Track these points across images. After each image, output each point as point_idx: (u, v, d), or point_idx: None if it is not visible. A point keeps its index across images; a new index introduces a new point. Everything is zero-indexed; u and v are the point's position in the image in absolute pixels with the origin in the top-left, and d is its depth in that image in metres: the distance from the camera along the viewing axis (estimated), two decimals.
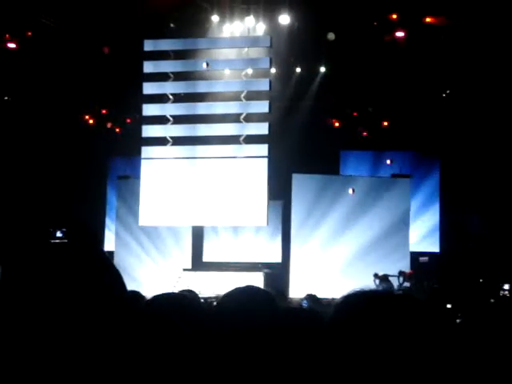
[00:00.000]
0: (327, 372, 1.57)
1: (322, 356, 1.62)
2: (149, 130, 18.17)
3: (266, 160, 17.60)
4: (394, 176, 19.47)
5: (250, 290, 2.35)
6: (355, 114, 19.68)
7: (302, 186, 18.80)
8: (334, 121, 20.03)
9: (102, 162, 21.05)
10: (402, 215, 18.92)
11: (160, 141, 18.09)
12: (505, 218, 18.67)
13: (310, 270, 18.71)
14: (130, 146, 18.86)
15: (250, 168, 17.51)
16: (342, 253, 18.88)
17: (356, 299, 1.63)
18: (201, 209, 17.77)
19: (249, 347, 2.06)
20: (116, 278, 1.72)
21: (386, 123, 19.72)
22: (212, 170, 17.85)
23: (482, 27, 16.23)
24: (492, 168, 18.78)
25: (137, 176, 19.05)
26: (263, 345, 2.03)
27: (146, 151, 18.30)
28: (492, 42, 16.50)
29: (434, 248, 19.95)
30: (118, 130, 21.14)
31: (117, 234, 20.38)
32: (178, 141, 18.08)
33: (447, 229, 19.50)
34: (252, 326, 2.08)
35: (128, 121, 20.54)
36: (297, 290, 17.25)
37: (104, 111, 20.62)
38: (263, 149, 17.51)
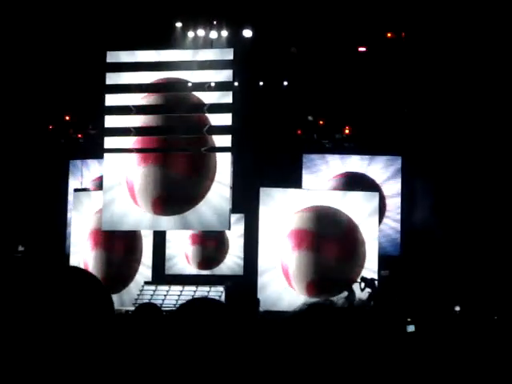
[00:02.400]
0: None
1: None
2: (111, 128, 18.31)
3: (229, 155, 17.67)
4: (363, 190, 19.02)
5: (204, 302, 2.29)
6: (321, 122, 19.97)
7: (268, 199, 18.52)
8: (298, 131, 20.32)
9: (61, 169, 20.92)
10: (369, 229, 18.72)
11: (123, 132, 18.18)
12: (466, 220, 18.84)
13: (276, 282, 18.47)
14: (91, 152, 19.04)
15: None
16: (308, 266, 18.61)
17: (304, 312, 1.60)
18: (163, 209, 17.82)
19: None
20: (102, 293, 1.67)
21: (347, 131, 20.18)
22: (175, 164, 17.95)
23: (437, 40, 17.18)
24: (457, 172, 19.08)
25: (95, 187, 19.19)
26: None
27: (109, 143, 18.28)
28: (451, 52, 17.45)
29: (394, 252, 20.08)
30: (79, 136, 21.20)
31: (73, 246, 19.76)
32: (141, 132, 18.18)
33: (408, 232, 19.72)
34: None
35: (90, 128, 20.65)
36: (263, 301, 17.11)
37: (67, 118, 20.68)
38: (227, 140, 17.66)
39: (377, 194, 18.92)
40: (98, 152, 18.71)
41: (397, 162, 20.45)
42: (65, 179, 20.79)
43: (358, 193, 18.85)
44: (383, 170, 20.62)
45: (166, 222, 18.15)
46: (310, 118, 19.69)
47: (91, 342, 1.53)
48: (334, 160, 20.75)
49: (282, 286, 18.19)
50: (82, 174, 20.85)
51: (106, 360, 1.54)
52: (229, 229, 17.90)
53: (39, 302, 1.52)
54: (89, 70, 18.09)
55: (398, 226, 20.32)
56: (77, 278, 1.61)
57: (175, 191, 17.99)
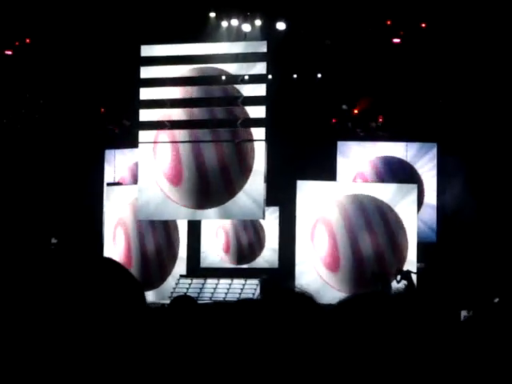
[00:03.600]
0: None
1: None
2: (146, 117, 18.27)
3: (263, 145, 17.61)
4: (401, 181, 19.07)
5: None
6: (356, 111, 19.86)
7: (306, 192, 18.27)
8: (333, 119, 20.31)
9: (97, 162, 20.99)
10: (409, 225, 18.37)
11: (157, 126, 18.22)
12: (502, 207, 18.72)
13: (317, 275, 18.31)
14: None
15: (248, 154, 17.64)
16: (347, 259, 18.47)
17: (349, 304, 1.62)
18: (198, 199, 17.83)
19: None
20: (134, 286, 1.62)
21: (380, 119, 20.11)
22: (209, 156, 17.98)
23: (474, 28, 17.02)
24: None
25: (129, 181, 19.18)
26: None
27: (143, 136, 18.32)
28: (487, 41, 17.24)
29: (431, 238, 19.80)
30: (115, 129, 21.26)
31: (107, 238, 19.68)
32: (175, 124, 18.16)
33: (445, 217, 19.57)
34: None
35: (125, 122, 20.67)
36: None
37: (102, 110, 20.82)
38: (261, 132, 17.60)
39: (415, 186, 18.68)
40: (133, 143, 18.69)
41: (432, 149, 20.33)
42: (100, 170, 20.86)
43: (397, 185, 18.71)
44: (419, 155, 20.51)
45: (205, 212, 18.09)
46: (344, 106, 19.56)
47: (123, 335, 1.50)
48: (369, 145, 20.64)
49: (319, 277, 18.07)
50: (115, 164, 20.93)
51: (140, 354, 1.53)
52: (263, 218, 17.83)
53: (70, 295, 1.50)
54: (123, 64, 18.16)
55: (434, 212, 20.19)
56: (107, 270, 1.59)
57: (214, 183, 18.06)
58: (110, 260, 1.64)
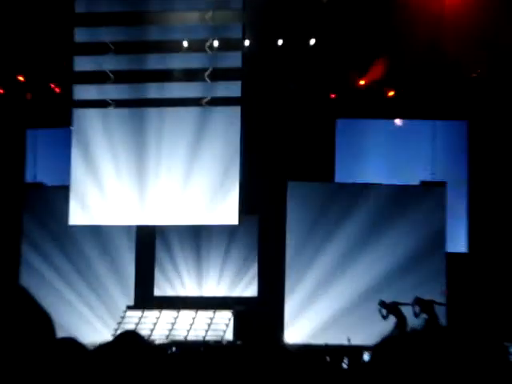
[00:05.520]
0: None
1: None
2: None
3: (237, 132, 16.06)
4: (425, 184, 17.56)
5: None
6: (362, 81, 18.08)
7: (297, 196, 17.24)
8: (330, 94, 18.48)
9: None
10: (434, 236, 17.14)
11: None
12: None
13: (308, 308, 17.30)
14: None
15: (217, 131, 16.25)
16: (351, 285, 17.40)
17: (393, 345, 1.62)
18: (149, 198, 16.46)
19: None
20: (42, 319, 1.66)
21: (391, 93, 18.34)
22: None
23: None
24: None
25: (53, 181, 17.52)
26: None
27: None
28: None
29: (460, 247, 17.96)
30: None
31: (26, 263, 18.02)
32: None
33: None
34: None
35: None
36: (294, 334, 16.40)
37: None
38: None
39: (444, 186, 17.38)
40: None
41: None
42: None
43: (418, 186, 17.55)
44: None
45: (152, 213, 16.63)
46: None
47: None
48: (377, 125, 18.33)
49: (318, 311, 17.13)
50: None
51: None
52: (238, 222, 16.51)
53: None
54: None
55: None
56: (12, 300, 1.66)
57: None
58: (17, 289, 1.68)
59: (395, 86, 18.18)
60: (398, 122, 18.21)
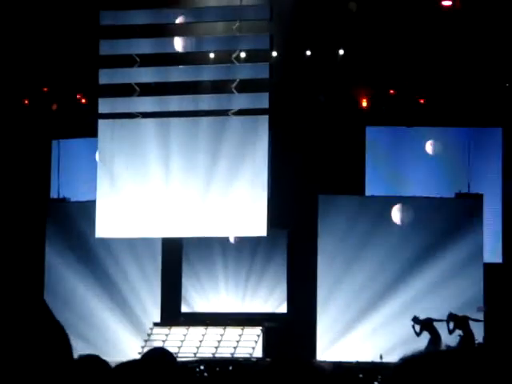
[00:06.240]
0: None
1: None
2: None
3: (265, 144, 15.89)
4: (459, 196, 17.22)
5: None
6: (392, 91, 17.98)
7: (328, 210, 17.05)
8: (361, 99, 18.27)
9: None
10: (472, 250, 16.84)
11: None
12: None
13: (340, 324, 17.10)
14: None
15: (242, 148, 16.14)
16: (384, 300, 17.15)
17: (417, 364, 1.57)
18: (175, 209, 16.32)
19: None
20: (59, 337, 1.63)
21: (422, 101, 18.16)
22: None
23: None
24: None
25: (78, 197, 17.61)
26: None
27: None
28: None
29: (495, 257, 17.53)
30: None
31: (49, 276, 17.80)
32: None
33: None
34: None
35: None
36: (325, 352, 16.24)
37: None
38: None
39: (481, 198, 16.99)
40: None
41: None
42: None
43: (453, 199, 17.30)
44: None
45: (178, 226, 16.53)
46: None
47: None
48: (408, 135, 18.09)
49: (349, 327, 16.95)
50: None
51: None
52: (266, 233, 16.43)
53: None
54: None
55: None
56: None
57: None
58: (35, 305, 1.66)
59: (426, 95, 17.96)
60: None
